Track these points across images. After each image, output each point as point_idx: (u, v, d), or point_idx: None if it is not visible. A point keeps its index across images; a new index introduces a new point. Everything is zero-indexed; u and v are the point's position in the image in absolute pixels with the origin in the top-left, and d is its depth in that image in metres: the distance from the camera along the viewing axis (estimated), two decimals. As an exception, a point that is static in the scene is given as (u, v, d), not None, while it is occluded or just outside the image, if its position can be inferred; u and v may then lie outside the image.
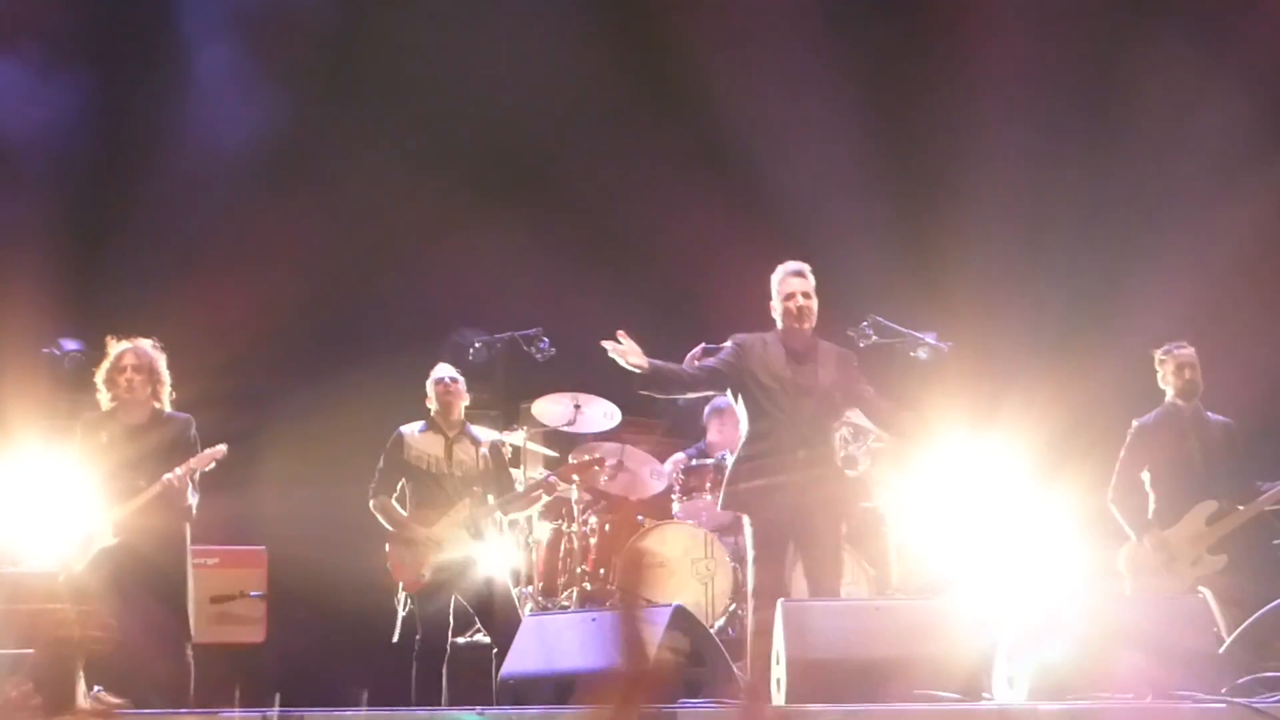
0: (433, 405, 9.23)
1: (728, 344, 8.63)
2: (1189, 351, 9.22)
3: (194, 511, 8.30)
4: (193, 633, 8.28)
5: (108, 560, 8.08)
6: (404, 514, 9.05)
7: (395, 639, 9.02)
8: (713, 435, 10.65)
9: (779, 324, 8.48)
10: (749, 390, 8.37)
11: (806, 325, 8.43)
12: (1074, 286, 11.91)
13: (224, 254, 11.06)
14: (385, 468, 9.13)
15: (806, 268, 8.51)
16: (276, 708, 6.47)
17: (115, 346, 8.42)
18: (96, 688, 7.47)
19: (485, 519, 9.02)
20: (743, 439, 8.39)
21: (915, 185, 12.45)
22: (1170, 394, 9.21)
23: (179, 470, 8.15)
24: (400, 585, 9.02)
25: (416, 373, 9.67)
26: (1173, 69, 12.13)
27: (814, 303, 8.46)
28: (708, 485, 10.18)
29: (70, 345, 10.68)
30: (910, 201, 12.27)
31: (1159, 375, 9.24)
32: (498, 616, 8.70)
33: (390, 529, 9.03)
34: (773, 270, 8.56)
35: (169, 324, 9.47)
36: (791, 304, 8.41)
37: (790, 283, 8.47)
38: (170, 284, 10.86)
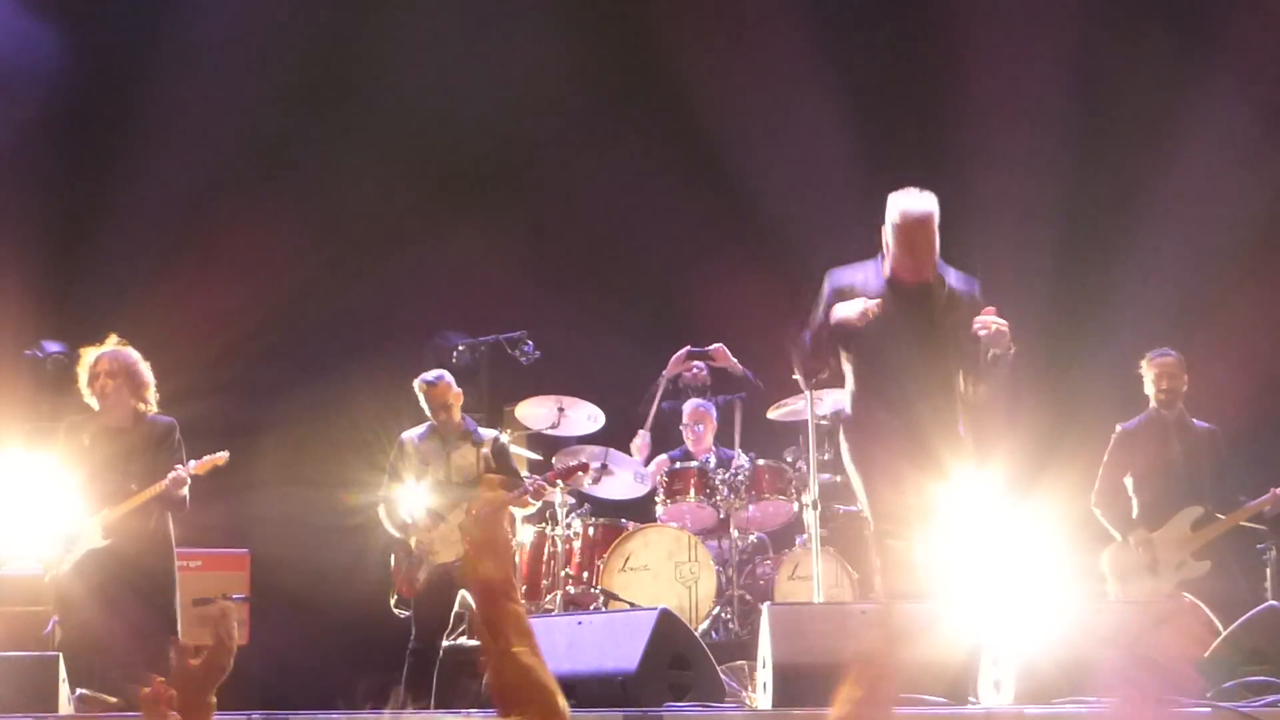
0: (426, 410, 9.21)
1: (824, 287, 7.36)
2: (1169, 360, 9.20)
3: (187, 503, 8.36)
4: (180, 635, 8.29)
5: (93, 562, 8.08)
6: (406, 520, 9.08)
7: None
8: (690, 438, 10.66)
9: (888, 251, 7.29)
10: (848, 338, 7.25)
11: (925, 274, 7.25)
12: (1056, 292, 11.92)
13: (205, 256, 11.04)
14: (390, 476, 9.19)
15: (934, 211, 7.23)
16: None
17: (91, 352, 8.41)
18: (79, 690, 7.46)
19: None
20: (849, 397, 7.42)
21: (897, 190, 12.46)
22: (1152, 401, 9.24)
23: (191, 464, 8.23)
24: (395, 590, 9.06)
25: (400, 375, 9.66)
26: (1157, 75, 12.17)
27: (937, 245, 7.23)
28: (691, 488, 10.17)
29: (52, 347, 10.68)
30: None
31: (1144, 381, 9.25)
32: None
33: (395, 535, 9.09)
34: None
35: (150, 326, 9.46)
36: (910, 259, 7.19)
37: (911, 229, 7.19)
38: (152, 286, 10.84)
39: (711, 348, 11.05)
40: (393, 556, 9.11)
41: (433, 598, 8.98)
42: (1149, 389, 9.23)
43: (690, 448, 10.61)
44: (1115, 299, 11.65)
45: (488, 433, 9.44)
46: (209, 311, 10.85)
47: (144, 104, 11.66)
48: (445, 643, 9.39)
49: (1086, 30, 12.27)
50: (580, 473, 9.81)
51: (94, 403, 8.38)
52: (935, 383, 7.20)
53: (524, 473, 10.52)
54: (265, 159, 12.00)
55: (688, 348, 11.10)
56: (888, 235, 7.30)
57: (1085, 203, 12.24)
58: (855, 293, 7.23)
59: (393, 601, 9.14)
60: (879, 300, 7.09)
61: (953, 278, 7.36)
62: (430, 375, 9.31)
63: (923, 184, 7.16)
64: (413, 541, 9.00)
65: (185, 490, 8.29)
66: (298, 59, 11.89)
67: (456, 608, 9.09)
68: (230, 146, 11.71)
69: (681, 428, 10.70)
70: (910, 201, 7.26)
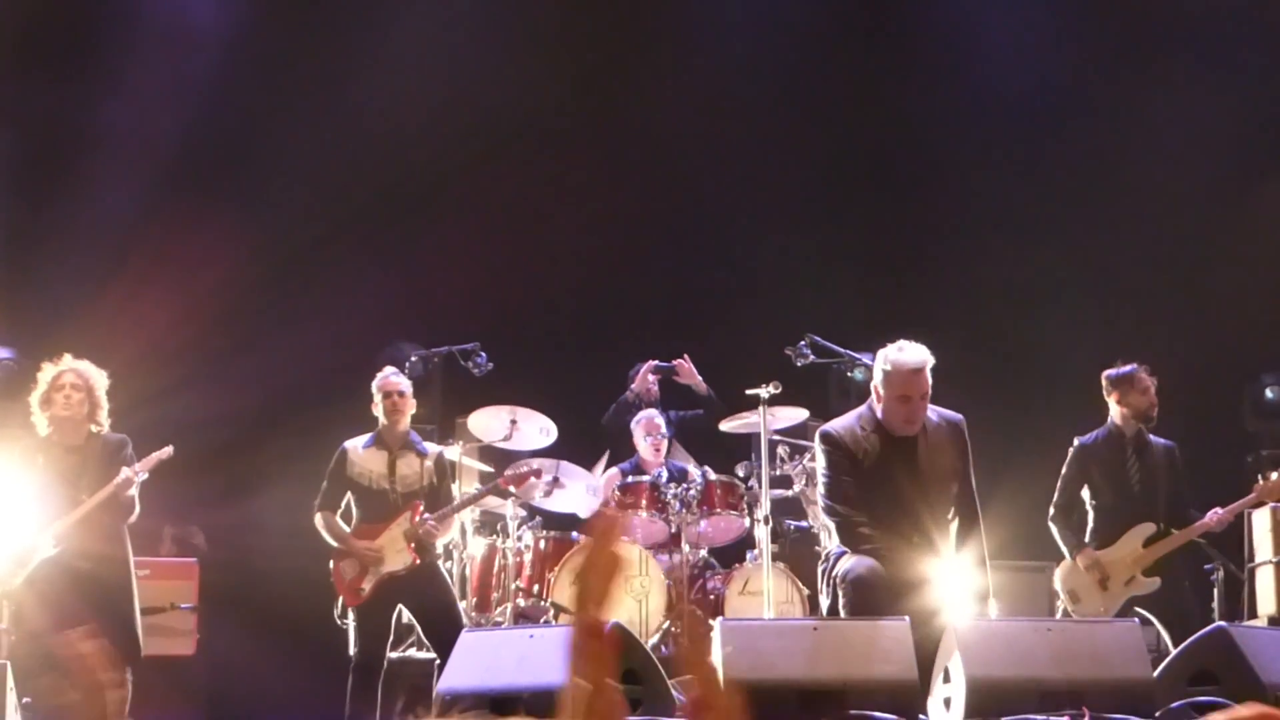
0: (379, 412, 9.13)
1: (820, 449, 7.45)
2: (1148, 377, 9.18)
3: (137, 506, 8.34)
4: (142, 650, 8.27)
5: (45, 575, 8.02)
6: (345, 529, 8.99)
7: (351, 652, 8.95)
8: (644, 452, 10.64)
9: (878, 409, 7.33)
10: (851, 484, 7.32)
11: (917, 428, 7.30)
12: (1011, 308, 11.99)
13: (153, 265, 10.99)
14: (329, 483, 9.05)
15: (928, 362, 7.26)
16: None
17: (54, 367, 8.39)
18: (25, 699, 7.41)
19: (427, 532, 8.94)
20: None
21: (856, 205, 12.51)
22: (1126, 415, 9.11)
23: (136, 467, 8.20)
24: (340, 599, 8.99)
25: (351, 385, 9.61)
26: (1116, 103, 12.28)
27: (928, 402, 7.28)
28: (643, 502, 10.15)
29: (0, 353, 10.62)
30: (850, 221, 12.31)
31: (1115, 395, 9.16)
32: (443, 629, 8.59)
33: (332, 544, 8.97)
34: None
35: (98, 333, 9.44)
36: (903, 409, 7.24)
37: (905, 381, 7.23)
38: (99, 294, 10.79)
39: (676, 362, 11.02)
40: (332, 563, 9.00)
41: (378, 608, 8.88)
42: (1124, 403, 9.13)
43: (650, 459, 10.58)
44: (1068, 320, 11.73)
45: (432, 447, 9.39)
46: (157, 320, 10.80)
47: (88, 112, 11.59)
48: (393, 655, 9.33)
49: (1043, 68, 12.39)
50: (534, 478, 9.77)
51: (41, 420, 8.37)
52: (929, 523, 7.25)
53: (474, 485, 10.48)
54: (213, 168, 11.95)
55: (653, 362, 11.06)
56: (879, 386, 7.32)
57: (1038, 223, 12.32)
58: (850, 447, 7.30)
59: (337, 612, 9.06)
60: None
61: (941, 417, 7.43)
62: (400, 386, 9.21)
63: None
64: (355, 549, 8.89)
65: (133, 491, 8.26)
66: (244, 69, 11.84)
67: (413, 616, 9.02)
68: (176, 154, 11.63)
69: (642, 441, 10.66)
70: (903, 356, 7.29)
